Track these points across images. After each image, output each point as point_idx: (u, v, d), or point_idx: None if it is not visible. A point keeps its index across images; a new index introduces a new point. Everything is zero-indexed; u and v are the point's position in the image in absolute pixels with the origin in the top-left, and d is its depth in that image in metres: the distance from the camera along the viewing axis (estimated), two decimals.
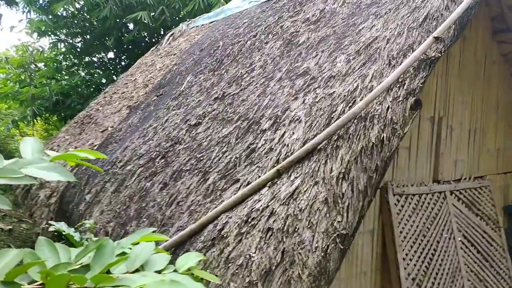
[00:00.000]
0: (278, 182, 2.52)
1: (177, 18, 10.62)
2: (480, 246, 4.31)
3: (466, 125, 4.50)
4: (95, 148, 5.34)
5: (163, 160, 3.71)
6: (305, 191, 2.38)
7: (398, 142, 2.51)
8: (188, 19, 8.93)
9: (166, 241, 2.50)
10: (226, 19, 6.81)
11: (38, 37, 11.59)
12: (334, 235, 2.24)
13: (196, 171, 3.20)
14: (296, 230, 2.24)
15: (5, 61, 11.51)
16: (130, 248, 1.49)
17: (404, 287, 3.49)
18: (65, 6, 10.61)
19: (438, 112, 4.10)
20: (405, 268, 3.57)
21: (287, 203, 2.36)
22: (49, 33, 11.53)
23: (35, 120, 11.04)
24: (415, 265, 3.65)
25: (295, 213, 2.30)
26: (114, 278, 1.19)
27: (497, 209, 4.58)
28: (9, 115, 11.61)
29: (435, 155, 4.16)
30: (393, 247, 3.61)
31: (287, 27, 4.60)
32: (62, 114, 11.16)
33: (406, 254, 3.64)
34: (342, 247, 2.25)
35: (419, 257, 3.72)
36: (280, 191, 2.44)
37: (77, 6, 11.08)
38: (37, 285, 1.13)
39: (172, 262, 1.48)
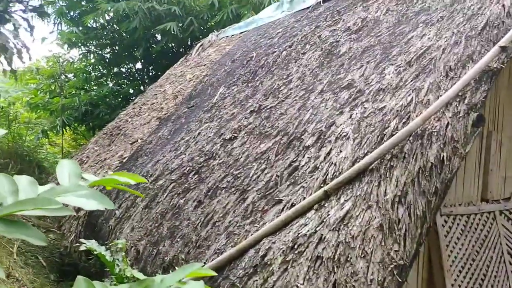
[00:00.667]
0: (326, 205, 2.33)
1: (205, 29, 10.57)
2: None
3: None
4: (125, 160, 5.25)
5: (196, 176, 3.56)
6: (357, 215, 2.18)
7: (459, 162, 2.28)
8: (216, 30, 8.85)
9: (212, 276, 2.33)
10: (258, 29, 6.66)
11: (69, 48, 11.74)
12: (391, 266, 2.03)
13: (233, 189, 3.03)
14: (348, 259, 2.04)
15: (36, 72, 11.67)
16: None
17: None
18: (95, 18, 10.73)
19: (487, 126, 3.83)
20: None
21: (337, 228, 2.16)
22: (79, 45, 11.68)
23: (64, 130, 11.15)
24: None
25: (346, 240, 2.10)
26: None
27: None
28: (39, 125, 11.74)
29: (483, 172, 3.88)
30: (441, 272, 3.36)
31: (326, 36, 4.40)
32: (91, 124, 11.26)
33: (455, 280, 3.39)
34: (400, 280, 2.03)
35: (468, 283, 3.46)
36: (329, 215, 2.24)
37: (107, 17, 11.20)
38: None
39: None
